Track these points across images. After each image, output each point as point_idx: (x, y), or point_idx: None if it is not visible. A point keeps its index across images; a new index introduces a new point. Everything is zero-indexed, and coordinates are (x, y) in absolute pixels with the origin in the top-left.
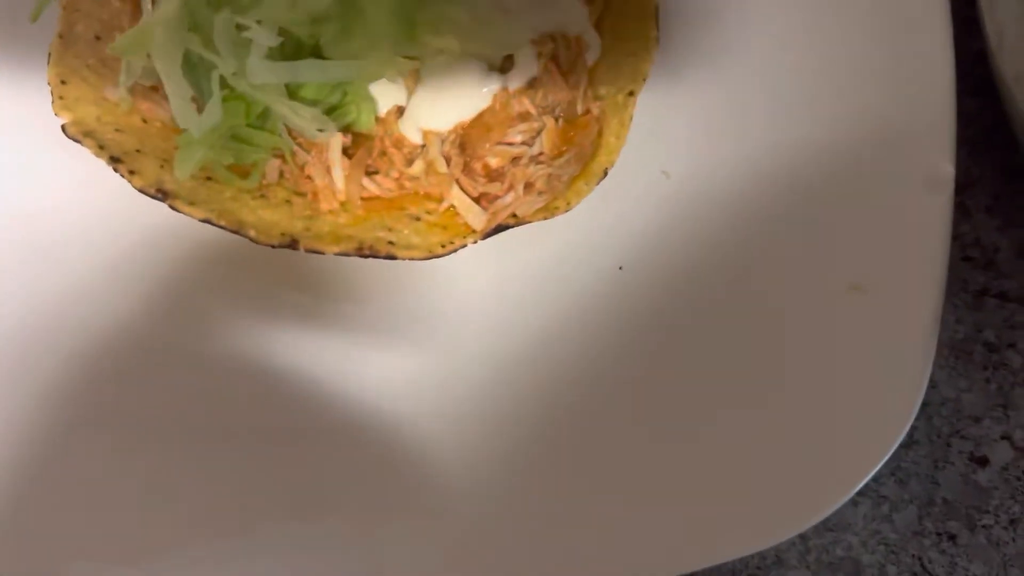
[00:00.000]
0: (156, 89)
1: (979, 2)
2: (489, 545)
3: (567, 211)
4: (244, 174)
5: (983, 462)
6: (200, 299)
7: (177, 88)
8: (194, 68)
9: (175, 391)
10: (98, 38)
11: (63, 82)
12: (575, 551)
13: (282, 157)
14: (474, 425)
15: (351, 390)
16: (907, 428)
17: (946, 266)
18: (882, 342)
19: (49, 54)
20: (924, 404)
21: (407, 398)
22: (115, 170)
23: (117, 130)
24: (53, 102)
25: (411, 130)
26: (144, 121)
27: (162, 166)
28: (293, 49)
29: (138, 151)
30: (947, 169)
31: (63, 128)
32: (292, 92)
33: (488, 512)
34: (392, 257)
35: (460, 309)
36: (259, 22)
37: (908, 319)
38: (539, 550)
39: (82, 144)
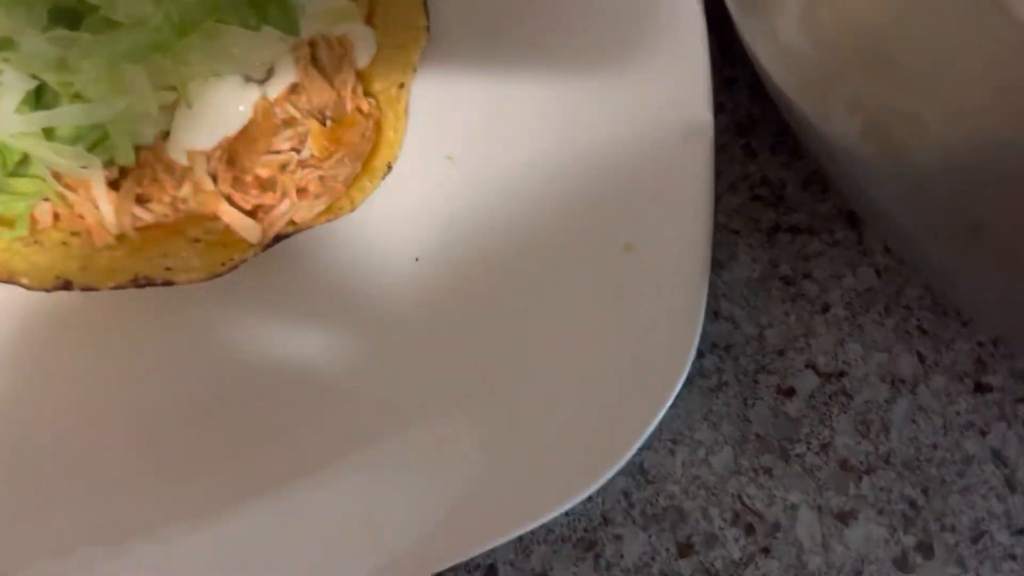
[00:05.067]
0: None
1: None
2: None
3: (352, 210)
4: (11, 223)
5: (790, 393)
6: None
7: None
8: None
9: None
10: None
11: None
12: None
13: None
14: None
15: None
16: (684, 373)
17: (711, 209)
18: (653, 296)
19: None
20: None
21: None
22: None
23: None
24: None
25: (178, 153)
26: None
27: None
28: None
29: None
30: (705, 117)
31: None
32: (48, 132)
33: None
34: (170, 283)
35: (250, 329)
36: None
37: (676, 269)
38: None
39: None
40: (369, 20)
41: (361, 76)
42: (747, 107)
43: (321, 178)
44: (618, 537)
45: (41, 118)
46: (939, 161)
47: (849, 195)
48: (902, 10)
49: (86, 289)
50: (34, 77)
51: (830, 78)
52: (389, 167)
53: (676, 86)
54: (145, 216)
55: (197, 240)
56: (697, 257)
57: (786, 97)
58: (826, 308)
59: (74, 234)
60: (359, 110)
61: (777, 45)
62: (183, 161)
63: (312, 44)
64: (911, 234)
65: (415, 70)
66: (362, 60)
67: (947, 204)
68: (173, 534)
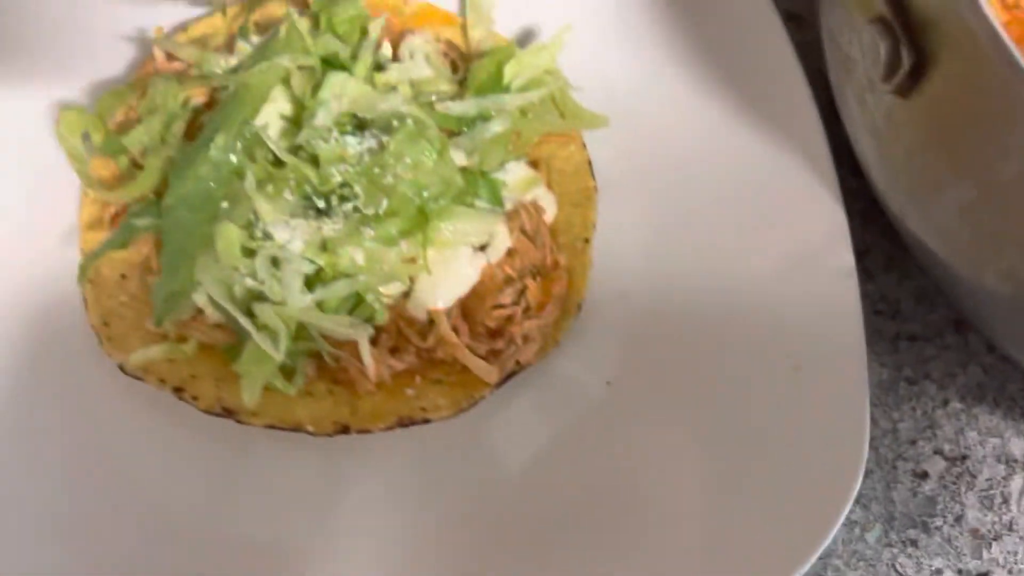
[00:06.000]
0: (194, 318)
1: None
2: None
3: (557, 346)
4: (289, 377)
5: (924, 476)
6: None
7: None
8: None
9: None
10: (124, 276)
11: (105, 323)
12: None
13: (318, 356)
14: None
15: None
16: (862, 473)
17: (863, 332)
18: (826, 409)
19: (84, 299)
20: (871, 439)
21: None
22: (179, 398)
23: (169, 360)
24: (101, 344)
25: (419, 311)
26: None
27: (217, 385)
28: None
29: (192, 376)
30: (849, 259)
31: (120, 368)
32: (319, 304)
33: None
34: (427, 421)
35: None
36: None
37: (844, 386)
38: None
39: (144, 381)
40: (548, 185)
41: (551, 233)
42: (860, 235)
43: (540, 326)
44: None
45: (320, 294)
46: None
47: (965, 309)
48: None
49: (361, 432)
50: (310, 261)
51: (981, 256)
52: (579, 307)
53: (822, 235)
54: (397, 365)
55: (439, 382)
56: (860, 375)
57: (930, 254)
58: (946, 402)
59: (335, 383)
60: (556, 263)
61: (930, 222)
62: (423, 318)
63: (515, 213)
64: (1017, 338)
65: (594, 226)
66: (549, 219)
67: None
68: None
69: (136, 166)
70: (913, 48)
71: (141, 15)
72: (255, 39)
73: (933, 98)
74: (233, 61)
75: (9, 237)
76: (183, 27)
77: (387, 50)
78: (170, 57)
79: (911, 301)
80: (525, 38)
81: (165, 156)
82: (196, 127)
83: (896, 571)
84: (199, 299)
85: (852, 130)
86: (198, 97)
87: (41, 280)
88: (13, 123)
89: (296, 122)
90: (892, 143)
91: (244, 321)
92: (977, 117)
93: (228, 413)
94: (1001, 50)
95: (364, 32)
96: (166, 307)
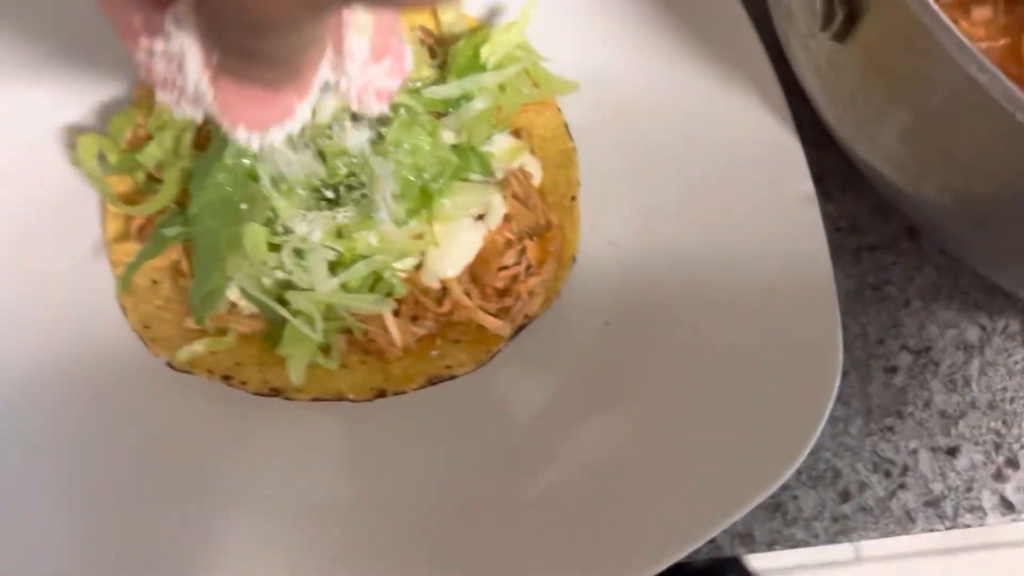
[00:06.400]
0: (230, 312)
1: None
2: None
3: (558, 297)
4: (326, 352)
5: (894, 370)
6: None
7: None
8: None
9: None
10: (155, 282)
11: (146, 327)
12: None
13: (348, 332)
14: None
15: None
16: (839, 374)
17: (828, 250)
18: (803, 322)
19: (122, 307)
20: (844, 343)
21: None
22: (229, 384)
23: (212, 352)
24: (147, 345)
25: (432, 280)
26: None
27: (261, 369)
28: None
29: (237, 364)
30: (808, 186)
31: (168, 364)
32: (344, 285)
33: None
34: (453, 376)
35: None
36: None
37: (817, 300)
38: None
39: (193, 374)
40: (531, 151)
41: (540, 194)
42: (816, 161)
43: (542, 280)
44: (795, 497)
45: (343, 277)
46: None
47: (915, 219)
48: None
49: (397, 393)
50: (331, 248)
51: (922, 173)
52: (574, 259)
53: (783, 167)
54: (419, 331)
55: (458, 341)
56: (829, 288)
57: (879, 174)
58: (907, 303)
59: (366, 354)
60: (549, 223)
61: (876, 148)
62: (437, 287)
63: (506, 181)
64: (966, 239)
65: (579, 184)
66: (536, 182)
67: (999, 220)
68: None
69: (152, 179)
70: (845, 1)
71: None
72: None
73: (867, 42)
74: None
75: (42, 256)
76: None
77: None
78: None
79: (867, 215)
80: (492, 15)
81: (180, 167)
82: (204, 137)
83: (878, 455)
84: (232, 294)
85: (799, 71)
86: None
87: (78, 293)
88: (24, 147)
89: None
90: (836, 82)
91: (280, 309)
92: (906, 57)
93: (275, 392)
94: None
95: None
96: (204, 306)
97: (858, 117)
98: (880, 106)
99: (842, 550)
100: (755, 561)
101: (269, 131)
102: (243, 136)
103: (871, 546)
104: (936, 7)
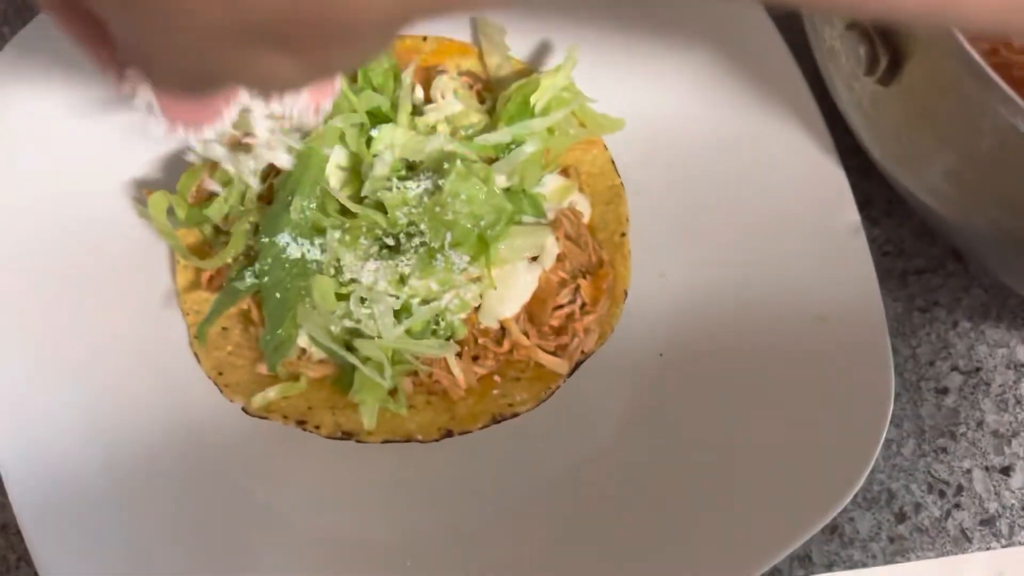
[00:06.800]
0: (299, 357)
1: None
2: None
3: (612, 332)
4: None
5: (945, 391)
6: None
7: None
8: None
9: None
10: (225, 329)
11: (220, 373)
12: None
13: (414, 373)
14: None
15: None
16: (892, 403)
17: (876, 276)
18: (854, 348)
19: (195, 354)
20: (895, 366)
21: None
22: (304, 429)
23: (285, 398)
24: (222, 391)
25: (490, 321)
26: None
27: (334, 413)
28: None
29: (310, 408)
30: (854, 216)
31: (244, 409)
32: (408, 331)
33: None
34: (516, 415)
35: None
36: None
37: (866, 325)
38: None
39: (268, 419)
40: (580, 188)
41: (590, 231)
42: (860, 187)
43: (597, 318)
44: (851, 519)
45: (407, 323)
46: None
47: (959, 244)
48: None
49: (462, 433)
50: (395, 296)
51: (968, 208)
52: (626, 293)
53: (829, 198)
54: (480, 371)
55: (518, 379)
56: (879, 313)
57: (924, 206)
58: (955, 324)
59: (431, 394)
60: (601, 260)
61: (921, 183)
62: (496, 327)
63: (558, 221)
64: (1013, 266)
65: (628, 220)
66: (586, 220)
67: None
68: None
69: (218, 232)
70: (888, 48)
71: None
72: None
73: (911, 87)
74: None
75: (116, 308)
76: None
77: (419, 93)
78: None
79: (912, 239)
80: (537, 55)
81: (247, 220)
82: (269, 190)
83: (932, 476)
84: (303, 342)
85: (843, 107)
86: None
87: (152, 343)
88: (93, 200)
89: (355, 172)
90: (880, 121)
91: (349, 357)
92: (951, 102)
93: (347, 436)
94: (962, 53)
95: (397, 78)
96: (277, 354)
97: (903, 155)
98: (925, 146)
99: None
100: None
101: (202, 129)
102: (181, 133)
103: None
104: (978, 57)
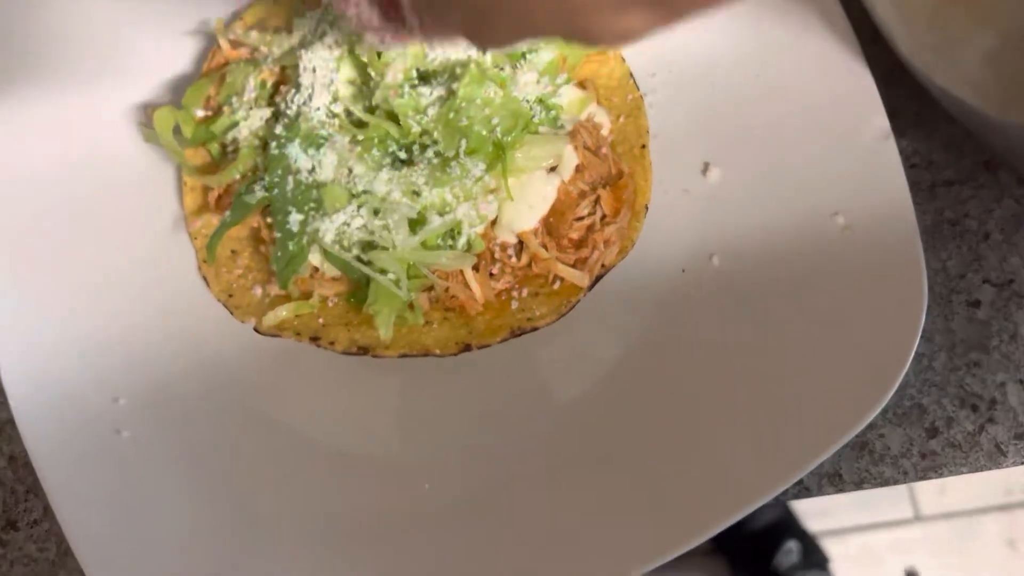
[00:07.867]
0: (312, 275)
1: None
2: None
3: (633, 246)
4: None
5: (976, 304)
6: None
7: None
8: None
9: None
10: (234, 251)
11: (230, 295)
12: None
13: (430, 289)
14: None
15: None
16: (924, 314)
17: (907, 185)
18: (886, 259)
19: (204, 278)
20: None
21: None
22: (318, 346)
23: (297, 316)
24: (232, 314)
25: (507, 234)
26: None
27: (348, 329)
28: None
29: (323, 325)
30: (884, 123)
31: (255, 329)
32: (423, 242)
33: None
34: (535, 328)
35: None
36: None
37: (899, 236)
38: None
39: (281, 337)
40: (598, 101)
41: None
42: (887, 98)
43: (618, 229)
44: (882, 435)
45: (423, 234)
46: None
47: (996, 148)
48: None
49: (482, 347)
50: (410, 206)
51: (1008, 97)
52: (646, 208)
53: (857, 104)
54: (498, 286)
55: (537, 293)
56: (911, 223)
57: (959, 103)
58: (987, 236)
59: (448, 310)
60: (620, 172)
61: (958, 73)
62: (513, 240)
63: (576, 132)
64: None
65: (648, 131)
66: (605, 132)
67: None
68: None
69: (225, 151)
70: None
71: (197, 11)
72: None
73: None
74: (294, 39)
75: (124, 235)
76: (237, 15)
77: None
78: (235, 44)
79: (941, 151)
80: None
81: (256, 136)
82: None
83: (964, 390)
84: (315, 258)
85: (869, 2)
86: (271, 77)
87: (161, 268)
88: (98, 131)
89: (365, 85)
90: (913, 7)
91: (366, 269)
92: None
93: (363, 351)
94: None
95: None
96: (288, 270)
97: (937, 42)
98: (962, 29)
99: (901, 509)
100: (813, 523)
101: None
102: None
103: (930, 504)
104: None
